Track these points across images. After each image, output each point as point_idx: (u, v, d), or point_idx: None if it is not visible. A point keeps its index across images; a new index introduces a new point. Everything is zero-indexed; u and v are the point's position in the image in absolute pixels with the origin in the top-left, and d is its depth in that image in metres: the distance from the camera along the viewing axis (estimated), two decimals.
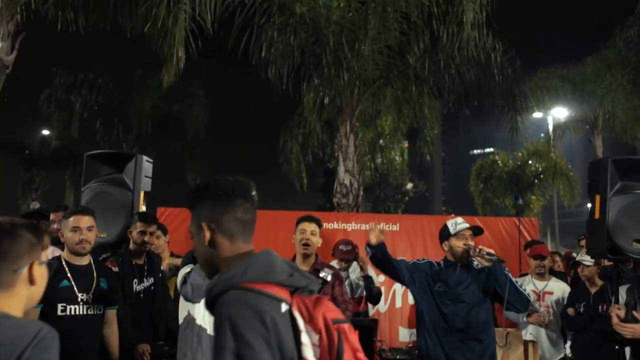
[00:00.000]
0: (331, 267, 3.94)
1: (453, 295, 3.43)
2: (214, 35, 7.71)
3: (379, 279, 5.58)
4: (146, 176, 4.59)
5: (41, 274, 1.59)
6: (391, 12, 8.46)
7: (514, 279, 3.52)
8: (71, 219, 3.18)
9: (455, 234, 3.50)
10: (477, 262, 3.49)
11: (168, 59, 7.20)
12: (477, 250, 3.38)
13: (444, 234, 3.59)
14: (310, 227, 3.79)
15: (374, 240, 3.54)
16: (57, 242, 3.78)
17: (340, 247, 4.83)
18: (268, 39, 8.59)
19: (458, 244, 3.47)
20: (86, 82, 16.51)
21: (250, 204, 1.59)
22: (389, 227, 6.01)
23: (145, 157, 4.61)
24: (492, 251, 3.40)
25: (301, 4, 8.20)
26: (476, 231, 3.62)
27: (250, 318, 1.34)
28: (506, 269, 3.56)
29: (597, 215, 4.16)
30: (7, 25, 8.58)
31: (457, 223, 3.56)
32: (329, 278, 3.70)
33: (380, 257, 3.56)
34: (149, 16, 7.85)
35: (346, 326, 1.45)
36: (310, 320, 1.42)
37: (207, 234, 1.53)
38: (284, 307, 1.40)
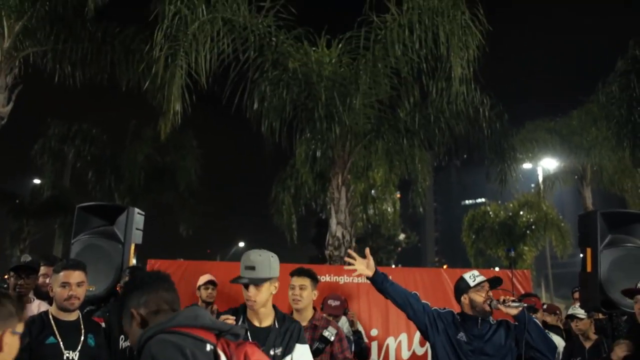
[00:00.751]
0: (330, 322, 3.78)
1: (476, 348, 3.35)
2: (209, 89, 7.89)
3: (372, 332, 5.50)
4: (137, 229, 4.57)
5: (12, 343, 1.69)
6: (381, 67, 8.67)
7: (542, 327, 3.46)
8: (61, 273, 3.12)
9: (475, 287, 3.43)
10: (493, 319, 3.45)
11: (165, 112, 7.32)
12: (502, 300, 3.34)
13: (463, 287, 3.49)
14: (299, 281, 3.67)
15: (368, 272, 3.52)
16: (47, 297, 3.70)
17: (329, 302, 4.74)
18: (261, 93, 8.75)
19: (480, 296, 3.40)
20: (80, 133, 16.66)
21: (169, 284, 1.83)
22: None
23: (137, 210, 4.61)
24: (515, 299, 3.38)
25: (294, 59, 8.39)
26: (493, 283, 3.54)
27: (172, 354, 1.53)
28: (533, 316, 3.50)
29: (589, 269, 4.18)
30: (6, 78, 8.77)
31: (476, 276, 3.49)
32: (332, 338, 3.56)
33: (383, 289, 3.53)
34: (145, 71, 8.05)
35: None
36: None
37: (138, 318, 1.72)
38: (208, 347, 1.60)
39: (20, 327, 1.73)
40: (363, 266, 3.54)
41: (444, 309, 3.61)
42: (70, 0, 9.23)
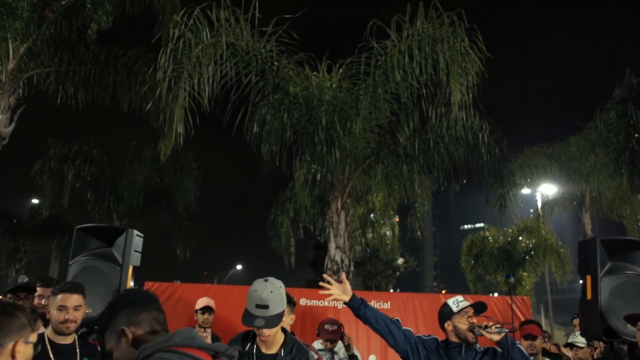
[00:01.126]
0: (309, 347, 3.73)
1: None
2: (210, 111, 7.95)
3: (370, 358, 5.44)
4: (136, 251, 4.54)
5: (24, 351, 1.69)
6: (382, 93, 8.74)
7: (527, 354, 3.35)
8: (59, 296, 3.11)
9: (459, 312, 3.32)
10: (479, 346, 3.34)
11: (167, 134, 7.38)
12: (484, 325, 3.22)
13: (446, 313, 3.38)
14: None
15: (344, 297, 3.38)
16: (42, 318, 3.66)
17: (326, 326, 4.71)
18: (262, 116, 8.81)
19: (462, 321, 3.30)
20: (80, 153, 16.69)
21: (159, 304, 1.84)
22: (380, 305, 5.93)
23: (136, 232, 4.58)
24: (499, 324, 3.25)
25: (295, 83, 8.47)
26: (478, 308, 3.41)
27: None
28: (517, 342, 3.40)
29: (589, 296, 4.15)
30: (9, 98, 8.84)
31: (459, 301, 3.39)
32: None
33: (361, 315, 3.37)
34: (147, 93, 8.12)
35: None
36: None
37: (130, 336, 1.71)
38: None
39: (33, 337, 1.74)
40: (339, 291, 3.40)
41: (429, 335, 3.48)
42: (74, 23, 9.37)
